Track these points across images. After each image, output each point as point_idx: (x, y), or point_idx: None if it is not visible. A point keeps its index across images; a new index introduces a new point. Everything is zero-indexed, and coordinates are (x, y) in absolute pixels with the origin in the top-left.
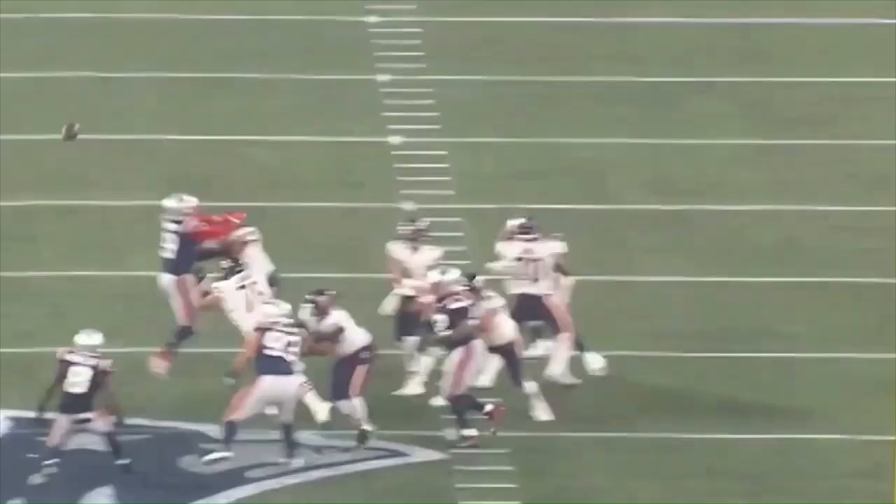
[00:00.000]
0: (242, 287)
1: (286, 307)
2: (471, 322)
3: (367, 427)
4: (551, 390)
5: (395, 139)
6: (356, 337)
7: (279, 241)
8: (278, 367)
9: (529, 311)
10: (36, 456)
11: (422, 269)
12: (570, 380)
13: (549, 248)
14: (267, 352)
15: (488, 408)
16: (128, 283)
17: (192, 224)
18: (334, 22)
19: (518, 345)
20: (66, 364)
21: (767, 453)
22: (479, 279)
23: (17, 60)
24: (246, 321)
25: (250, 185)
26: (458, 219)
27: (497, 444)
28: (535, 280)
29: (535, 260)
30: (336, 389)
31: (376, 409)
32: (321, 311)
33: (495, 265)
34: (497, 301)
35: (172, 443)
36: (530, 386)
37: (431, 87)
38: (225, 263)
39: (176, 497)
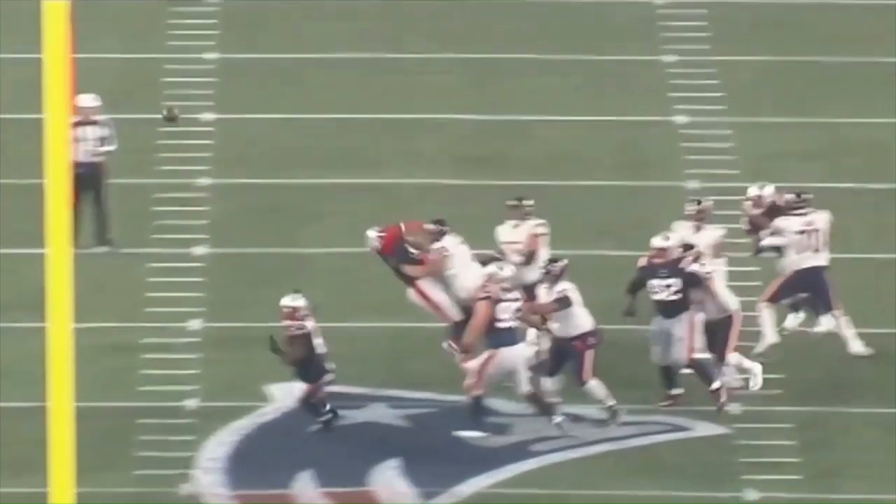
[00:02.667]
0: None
1: (510, 268)
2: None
3: (612, 402)
4: (834, 368)
5: (680, 119)
6: (582, 320)
7: (564, 219)
8: (509, 337)
9: (805, 283)
10: (319, 428)
11: (705, 248)
12: (867, 349)
13: (826, 219)
14: (498, 324)
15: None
16: None
17: (376, 249)
18: (622, 3)
19: (737, 317)
20: (310, 335)
21: None
22: (697, 249)
23: (308, 43)
24: (468, 278)
25: (536, 164)
26: (742, 198)
27: (780, 418)
28: (816, 251)
29: (815, 231)
30: (572, 375)
31: (658, 383)
32: (552, 279)
33: (775, 240)
34: (713, 267)
35: (458, 416)
36: (733, 358)
37: (717, 67)
38: (431, 226)
39: (461, 470)
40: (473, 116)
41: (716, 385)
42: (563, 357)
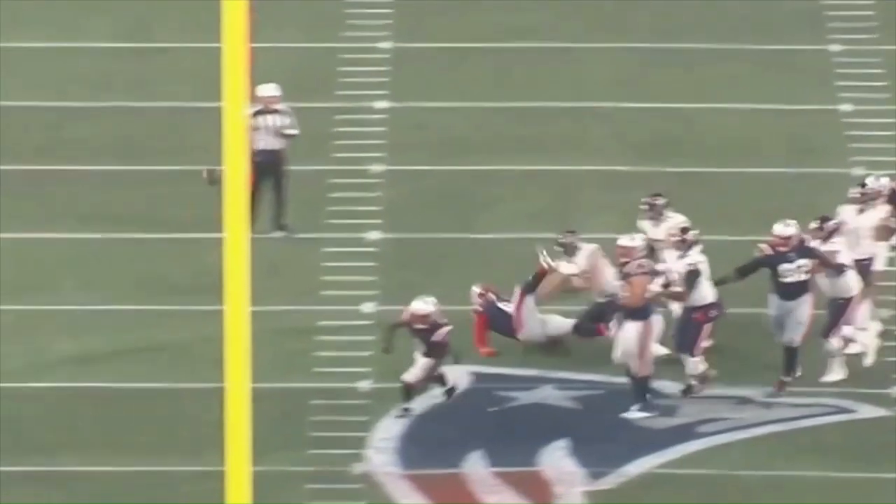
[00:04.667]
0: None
1: (640, 237)
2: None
3: (693, 382)
4: None
5: (845, 107)
6: (706, 291)
7: (730, 206)
8: (654, 306)
9: None
10: (496, 409)
11: (867, 230)
12: None
13: None
14: (647, 294)
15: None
16: None
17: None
18: None
19: (855, 301)
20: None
21: None
22: (835, 221)
23: (480, 32)
24: (611, 277)
25: (704, 151)
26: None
27: None
28: None
29: None
30: (682, 344)
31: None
32: (685, 248)
33: None
34: (837, 246)
35: (626, 398)
36: (835, 342)
37: (882, 56)
38: (564, 237)
39: (628, 450)
40: (643, 104)
41: (790, 378)
42: (685, 327)
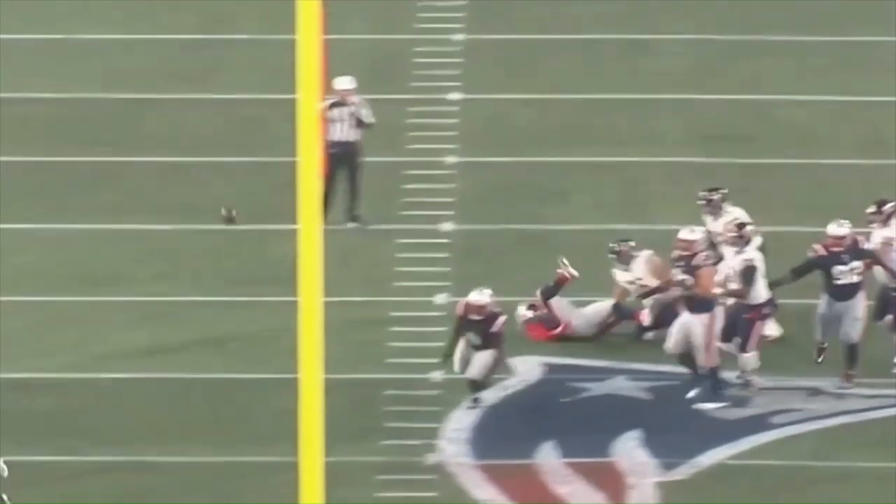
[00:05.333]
0: None
1: (700, 230)
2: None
3: (753, 378)
4: None
5: None
6: (759, 290)
7: (804, 197)
8: (716, 301)
9: None
10: (568, 400)
11: None
12: None
13: None
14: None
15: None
16: (653, 238)
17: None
18: None
19: None
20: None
21: None
22: (889, 206)
23: (552, 24)
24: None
25: (777, 143)
26: None
27: None
28: None
29: None
30: (732, 339)
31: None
32: (742, 244)
33: None
34: (893, 232)
35: (698, 388)
36: None
37: None
38: (617, 245)
39: (701, 441)
40: (714, 96)
41: (854, 371)
42: (735, 323)
